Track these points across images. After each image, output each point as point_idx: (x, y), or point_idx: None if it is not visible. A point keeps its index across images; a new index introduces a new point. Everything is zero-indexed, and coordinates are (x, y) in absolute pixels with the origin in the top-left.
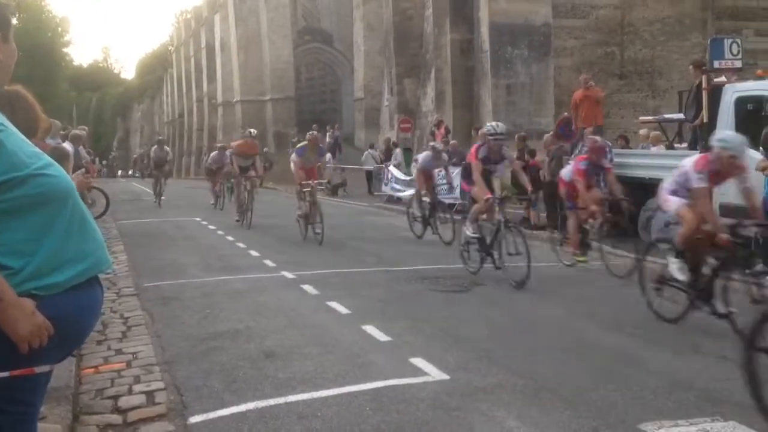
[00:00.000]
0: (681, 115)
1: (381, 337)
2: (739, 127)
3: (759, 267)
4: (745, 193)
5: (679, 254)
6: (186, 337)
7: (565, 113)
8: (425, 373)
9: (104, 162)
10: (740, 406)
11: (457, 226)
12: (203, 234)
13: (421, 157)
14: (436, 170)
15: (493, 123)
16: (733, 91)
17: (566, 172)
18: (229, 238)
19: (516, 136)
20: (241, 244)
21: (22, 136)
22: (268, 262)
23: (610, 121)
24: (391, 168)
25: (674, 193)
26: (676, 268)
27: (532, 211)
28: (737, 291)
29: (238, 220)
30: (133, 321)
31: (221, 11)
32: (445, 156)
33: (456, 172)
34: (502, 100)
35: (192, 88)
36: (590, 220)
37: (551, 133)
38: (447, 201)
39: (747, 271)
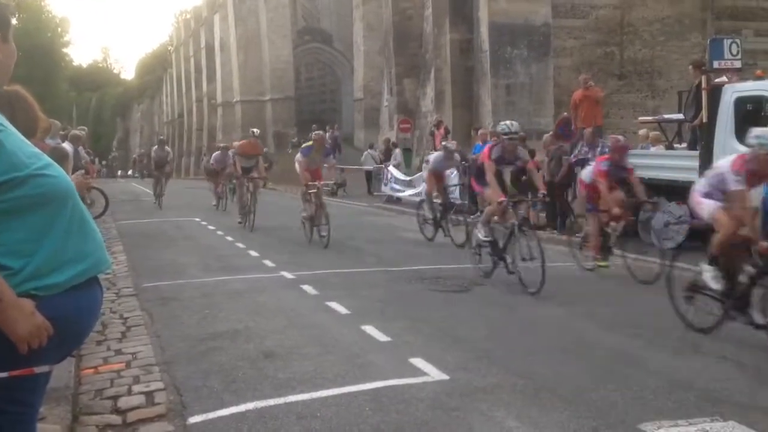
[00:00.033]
0: (680, 116)
1: (380, 337)
2: (739, 127)
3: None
4: None
5: (713, 261)
6: (185, 338)
7: (565, 113)
8: (425, 373)
9: (104, 162)
10: (740, 406)
11: (469, 229)
12: (203, 234)
13: (433, 157)
14: (448, 171)
15: (507, 122)
16: (733, 91)
17: (587, 173)
18: (229, 238)
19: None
20: (240, 245)
21: (22, 137)
22: (268, 263)
23: (609, 121)
24: (391, 168)
25: (708, 195)
26: (709, 276)
27: (532, 211)
28: None
29: (240, 222)
30: (133, 321)
31: (221, 11)
32: (457, 156)
33: (455, 172)
34: (502, 100)
35: (191, 88)
36: (612, 224)
37: (550, 133)
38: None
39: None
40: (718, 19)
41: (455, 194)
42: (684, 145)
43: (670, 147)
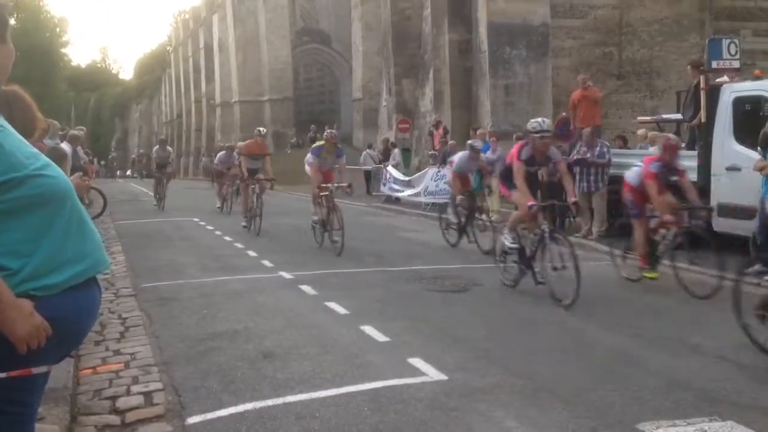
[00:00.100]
0: (679, 116)
1: (379, 337)
2: (737, 127)
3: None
4: None
5: None
6: (184, 338)
7: (564, 113)
8: (423, 374)
9: (102, 162)
10: (738, 406)
11: (495, 234)
12: (201, 234)
13: (457, 157)
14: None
15: (539, 119)
16: (731, 91)
17: (633, 175)
18: (228, 238)
19: (514, 137)
20: (239, 245)
21: (20, 137)
22: (266, 263)
23: (608, 122)
24: (390, 168)
25: None
26: None
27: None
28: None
29: (245, 226)
30: (131, 322)
31: (219, 12)
32: (483, 156)
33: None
34: (501, 100)
35: (190, 88)
36: (661, 230)
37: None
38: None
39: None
40: (717, 19)
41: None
42: (683, 145)
43: None
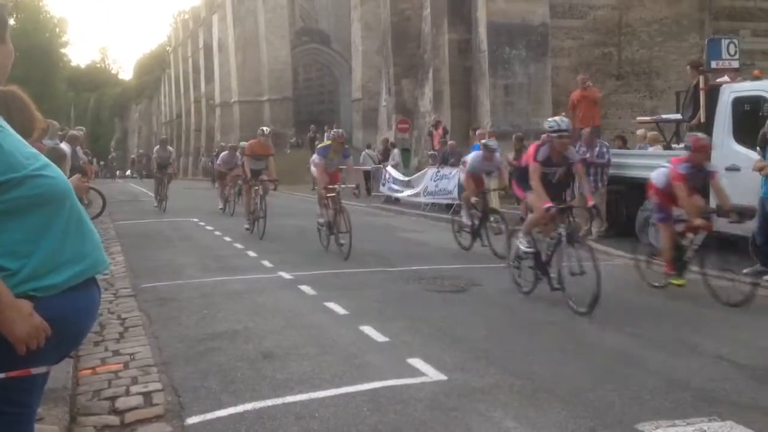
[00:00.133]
0: (678, 116)
1: (378, 337)
2: (736, 127)
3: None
4: None
5: None
6: (183, 338)
7: (563, 113)
8: (423, 374)
9: (102, 163)
10: (737, 406)
11: (509, 238)
12: (201, 235)
13: (471, 157)
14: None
15: (556, 118)
16: (730, 91)
17: (660, 176)
18: (227, 238)
19: (513, 137)
20: (238, 245)
21: (19, 137)
22: (266, 263)
23: (607, 122)
24: (389, 168)
25: None
26: None
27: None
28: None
29: (248, 229)
30: (131, 322)
31: (219, 12)
32: (498, 156)
33: (453, 172)
34: (500, 100)
35: (190, 88)
36: (689, 235)
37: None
38: (445, 201)
39: (745, 271)
40: (716, 19)
41: (454, 194)
42: (682, 145)
43: (668, 147)
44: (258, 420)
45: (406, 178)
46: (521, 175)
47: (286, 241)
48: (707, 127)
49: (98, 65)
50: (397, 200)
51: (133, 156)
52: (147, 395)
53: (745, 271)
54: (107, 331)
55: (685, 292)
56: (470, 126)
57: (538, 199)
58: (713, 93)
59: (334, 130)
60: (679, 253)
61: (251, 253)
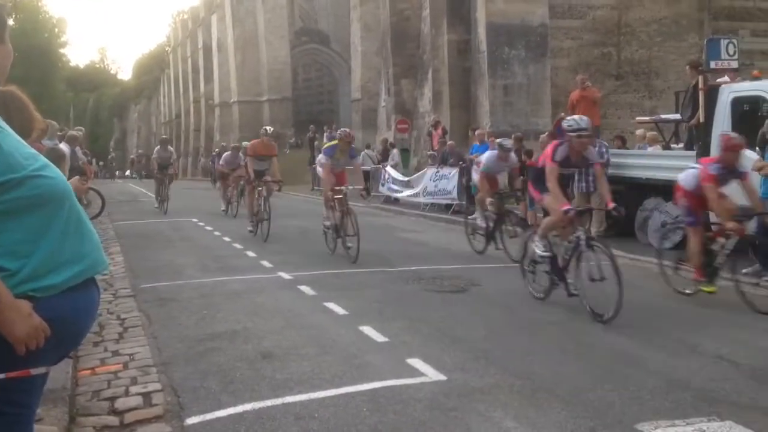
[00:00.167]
0: (677, 116)
1: (378, 337)
2: (736, 127)
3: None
4: None
5: None
6: (183, 339)
7: (562, 114)
8: (422, 374)
9: (101, 163)
10: (737, 406)
11: (523, 241)
12: (200, 235)
13: (485, 157)
14: (502, 173)
15: (576, 117)
16: (730, 91)
17: (688, 177)
18: (226, 239)
19: (512, 137)
20: (237, 245)
21: (19, 138)
22: (265, 263)
23: (607, 122)
24: (388, 168)
25: None
26: None
27: (530, 210)
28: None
29: (251, 231)
30: (130, 322)
31: (218, 12)
32: (513, 157)
33: (453, 172)
34: (499, 100)
35: (189, 88)
36: (720, 239)
37: (547, 133)
38: (444, 202)
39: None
40: (715, 19)
41: (453, 194)
42: (681, 145)
43: (667, 147)
44: (257, 420)
45: (406, 179)
46: (537, 176)
47: (287, 242)
48: (706, 127)
49: (97, 65)
50: (396, 200)
51: (132, 156)
52: (146, 396)
53: (744, 270)
54: (106, 332)
55: (720, 299)
56: (469, 126)
57: (555, 202)
58: (712, 93)
59: (342, 129)
60: (709, 259)
61: (251, 254)
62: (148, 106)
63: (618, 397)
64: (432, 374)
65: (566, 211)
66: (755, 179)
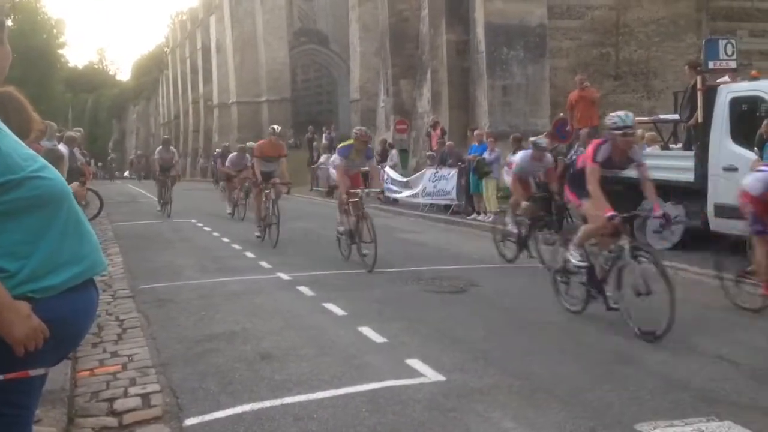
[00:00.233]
0: (676, 116)
1: (377, 338)
2: (734, 127)
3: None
4: None
5: None
6: (182, 339)
7: (561, 114)
8: (421, 375)
9: (100, 164)
10: (736, 406)
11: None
12: (199, 236)
13: (518, 157)
14: (534, 175)
15: (620, 113)
16: (728, 91)
17: (755, 183)
18: (225, 239)
19: (511, 137)
20: (236, 246)
21: (17, 139)
22: (264, 264)
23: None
24: (387, 169)
25: None
26: None
27: None
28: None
29: (258, 236)
30: (129, 323)
31: (217, 13)
32: (549, 157)
33: (452, 173)
34: (498, 101)
35: (188, 89)
36: None
37: (545, 133)
38: (443, 202)
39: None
40: (713, 19)
41: (452, 195)
42: (679, 145)
43: (665, 147)
44: (256, 421)
45: (405, 179)
46: (576, 179)
47: (287, 244)
48: (705, 128)
49: (96, 66)
50: (395, 201)
51: (131, 157)
52: (145, 396)
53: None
54: (105, 333)
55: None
56: (468, 127)
57: (597, 207)
58: (711, 93)
59: (357, 128)
60: None
61: (250, 254)
62: (147, 107)
63: (617, 398)
64: (431, 375)
65: (611, 218)
66: None
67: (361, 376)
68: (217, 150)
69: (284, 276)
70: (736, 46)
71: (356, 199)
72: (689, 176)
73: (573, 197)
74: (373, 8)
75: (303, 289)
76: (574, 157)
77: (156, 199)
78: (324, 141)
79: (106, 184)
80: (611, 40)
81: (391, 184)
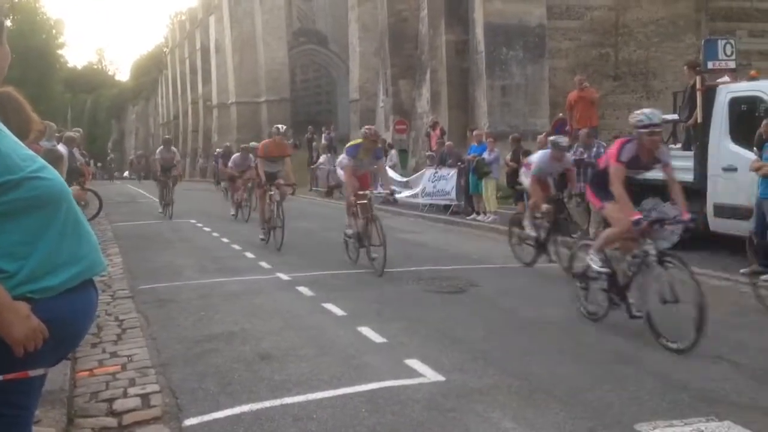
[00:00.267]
0: (675, 116)
1: (376, 338)
2: (733, 127)
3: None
4: None
5: None
6: (181, 340)
7: (560, 114)
8: (421, 375)
9: (99, 164)
10: (735, 406)
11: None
12: (199, 236)
13: (537, 157)
14: (552, 175)
15: (646, 110)
16: (727, 91)
17: None
18: (225, 240)
19: (510, 137)
20: (236, 246)
21: (16, 139)
22: (264, 264)
23: (604, 122)
24: (387, 169)
25: None
26: None
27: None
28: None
29: (263, 239)
30: (128, 324)
31: (216, 13)
32: (569, 156)
33: (451, 173)
34: (497, 101)
35: (187, 89)
36: None
37: (544, 133)
38: (443, 202)
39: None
40: (713, 20)
41: (452, 195)
42: (679, 145)
43: None
44: (256, 421)
45: (404, 179)
46: (598, 180)
47: (288, 244)
48: (704, 128)
49: (95, 66)
50: (395, 201)
51: (131, 157)
52: (145, 397)
53: (742, 271)
54: (105, 333)
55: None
56: (467, 127)
57: (621, 210)
58: (710, 93)
59: (366, 126)
60: None
61: (249, 255)
62: (146, 108)
63: (616, 398)
64: (430, 375)
65: (637, 222)
66: (753, 179)
67: (360, 377)
68: (218, 150)
69: (284, 276)
70: (735, 46)
71: (365, 201)
72: (688, 176)
73: (595, 200)
74: (373, 8)
75: (302, 289)
76: (572, 159)
77: (156, 199)
78: (323, 141)
79: (106, 184)
80: (610, 41)
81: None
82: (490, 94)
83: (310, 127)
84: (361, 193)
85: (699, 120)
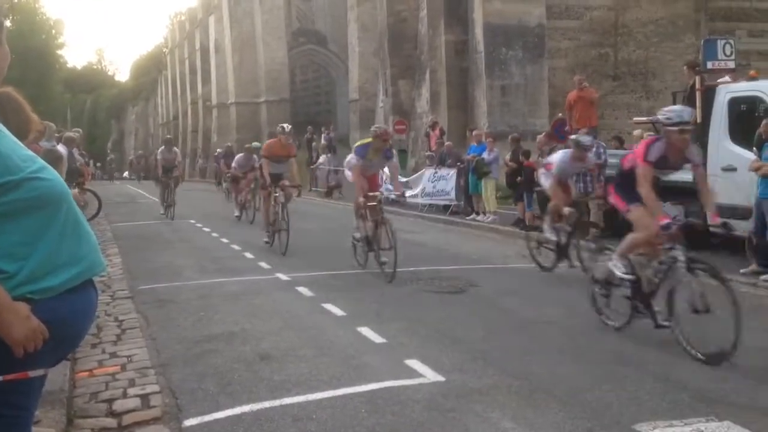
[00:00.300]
0: None
1: (376, 338)
2: (733, 127)
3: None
4: None
5: None
6: (181, 340)
7: (560, 114)
8: (420, 375)
9: (98, 164)
10: (735, 406)
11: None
12: (199, 236)
13: (557, 157)
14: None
15: (676, 107)
16: (727, 91)
17: None
18: (224, 240)
19: (509, 137)
20: (236, 246)
21: (15, 139)
22: (263, 264)
23: (604, 122)
24: (386, 169)
25: None
26: None
27: (528, 211)
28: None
29: (267, 242)
30: (128, 324)
31: (216, 13)
32: (591, 157)
33: (451, 173)
34: (497, 101)
35: (186, 90)
36: None
37: (544, 134)
38: (442, 202)
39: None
40: (712, 20)
41: (452, 195)
42: None
43: None
44: (255, 422)
45: (404, 179)
46: (623, 181)
47: (289, 246)
48: (704, 128)
49: (95, 67)
50: (395, 201)
51: (131, 158)
52: (144, 397)
53: (742, 271)
54: (104, 334)
55: None
56: (467, 127)
57: (648, 213)
58: (710, 93)
59: (376, 125)
60: None
61: (249, 255)
62: (146, 108)
63: (616, 398)
64: (430, 375)
65: (666, 227)
66: (753, 179)
67: (360, 377)
68: (219, 150)
69: (283, 276)
70: (735, 46)
71: (374, 203)
72: (688, 176)
73: (620, 202)
74: (372, 8)
75: (302, 289)
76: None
77: (156, 200)
78: (323, 141)
79: (105, 184)
80: (610, 41)
81: (390, 184)
82: (490, 94)
83: (309, 127)
84: (370, 194)
85: (698, 120)
